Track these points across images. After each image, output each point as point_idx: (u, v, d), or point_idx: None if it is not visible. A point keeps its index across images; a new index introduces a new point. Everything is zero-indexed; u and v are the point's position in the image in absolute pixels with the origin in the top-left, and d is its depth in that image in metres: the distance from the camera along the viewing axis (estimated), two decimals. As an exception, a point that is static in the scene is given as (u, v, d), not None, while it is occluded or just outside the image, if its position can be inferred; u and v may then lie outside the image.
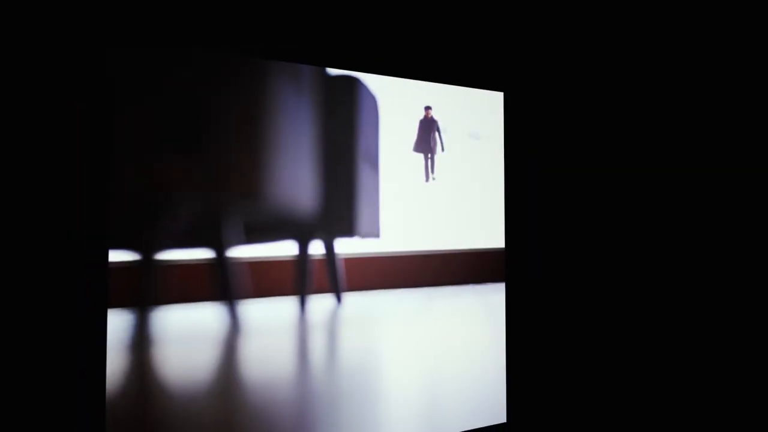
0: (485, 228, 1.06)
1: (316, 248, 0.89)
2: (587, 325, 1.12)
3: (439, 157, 1.00)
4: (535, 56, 1.09)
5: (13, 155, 0.70)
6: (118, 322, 0.73)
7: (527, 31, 1.09)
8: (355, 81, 0.94)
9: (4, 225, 0.68)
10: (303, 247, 0.88)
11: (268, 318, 0.84)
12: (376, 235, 0.95)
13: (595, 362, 1.12)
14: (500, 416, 1.04)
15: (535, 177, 1.08)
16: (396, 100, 0.97)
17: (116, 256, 0.75)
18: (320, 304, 0.89)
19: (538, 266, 1.07)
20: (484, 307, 1.04)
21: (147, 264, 0.77)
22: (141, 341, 0.74)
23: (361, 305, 0.93)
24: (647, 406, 1.14)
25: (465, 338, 1.02)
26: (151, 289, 0.77)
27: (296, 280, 0.87)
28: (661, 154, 1.18)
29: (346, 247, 0.92)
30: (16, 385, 0.67)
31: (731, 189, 1.16)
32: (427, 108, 0.98)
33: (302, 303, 0.87)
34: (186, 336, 0.77)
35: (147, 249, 0.77)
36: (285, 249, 0.87)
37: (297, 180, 0.88)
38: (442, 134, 0.98)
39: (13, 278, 0.68)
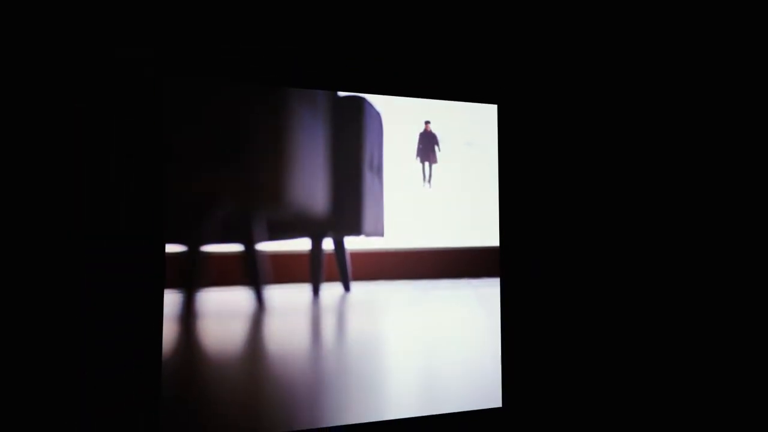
0: (480, 227, 1.17)
1: (328, 244, 1.06)
2: (576, 315, 1.21)
3: (437, 166, 1.13)
4: (525, 73, 1.19)
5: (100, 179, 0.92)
6: (171, 299, 0.94)
7: (518, 50, 1.19)
8: (362, 100, 1.09)
9: (101, 226, 0.90)
10: (317, 243, 1.05)
11: (287, 301, 1.02)
12: (381, 234, 1.10)
13: (585, 350, 1.21)
14: (496, 401, 1.14)
15: (526, 181, 1.18)
16: (399, 116, 1.11)
17: (170, 248, 0.96)
18: (331, 291, 1.06)
19: (529, 262, 1.18)
20: (479, 299, 1.16)
21: (193, 255, 0.97)
22: (188, 315, 0.95)
23: (366, 293, 1.08)
24: (637, 391, 1.22)
25: (461, 326, 1.14)
26: (196, 274, 0.97)
27: (311, 270, 1.04)
28: (642, 159, 1.24)
29: (353, 243, 1.08)
30: (103, 344, 0.90)
31: (709, 191, 1.22)
32: (427, 122, 1.12)
33: (316, 289, 1.04)
34: (222, 312, 0.97)
35: (193, 243, 0.98)
36: (302, 244, 1.05)
37: (312, 186, 1.05)
38: (439, 145, 1.11)
39: (104, 264, 0.90)
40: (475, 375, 1.13)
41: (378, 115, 1.10)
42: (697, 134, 1.27)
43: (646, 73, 1.26)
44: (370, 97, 1.10)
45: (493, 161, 1.18)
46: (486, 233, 1.18)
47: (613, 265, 1.22)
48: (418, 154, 1.10)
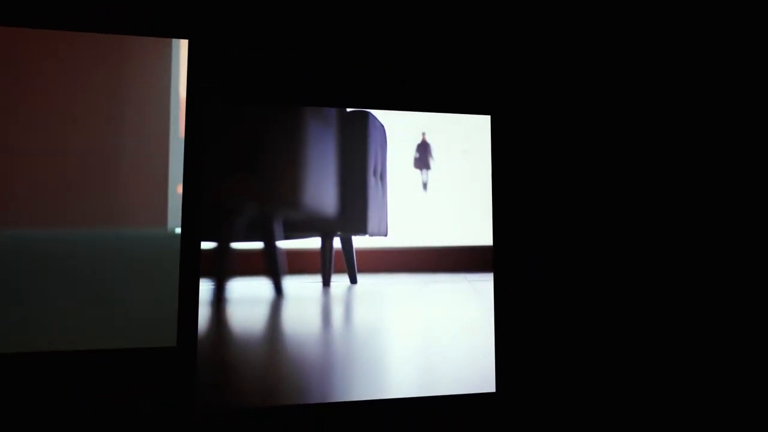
0: (475, 228, 1.28)
1: (337, 242, 1.21)
2: (563, 307, 1.29)
3: (434, 172, 1.25)
4: (516, 87, 1.29)
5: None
6: (205, 287, 1.12)
7: (508, 66, 1.29)
8: (367, 114, 1.23)
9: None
10: (327, 241, 1.20)
11: (301, 290, 1.17)
12: (384, 233, 1.23)
13: (572, 340, 1.29)
14: (490, 386, 1.23)
15: (517, 185, 1.28)
16: (401, 127, 1.24)
17: (205, 245, 1.14)
18: (339, 282, 1.20)
19: (520, 259, 1.27)
20: (474, 291, 1.27)
21: (222, 250, 1.15)
22: (218, 300, 1.13)
23: (371, 285, 1.22)
24: (624, 378, 1.28)
25: (458, 316, 1.25)
26: (225, 266, 1.14)
27: (322, 264, 1.19)
28: (625, 161, 1.31)
29: (359, 242, 1.22)
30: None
31: (700, 193, 1.26)
32: (423, 133, 1.24)
33: (326, 281, 1.19)
34: (246, 299, 1.14)
35: (223, 240, 1.15)
36: (314, 242, 1.20)
37: (323, 191, 1.20)
38: (434, 153, 1.23)
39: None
40: (470, 361, 1.24)
41: (382, 127, 1.24)
42: (685, 140, 1.32)
43: (633, 82, 1.33)
44: (375, 112, 1.24)
45: (486, 167, 1.29)
46: (481, 233, 1.28)
47: (597, 261, 1.29)
48: (415, 163, 1.23)
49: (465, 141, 1.28)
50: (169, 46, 1.17)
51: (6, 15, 1.10)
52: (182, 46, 1.18)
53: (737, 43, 1.36)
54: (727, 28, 1.35)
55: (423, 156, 1.23)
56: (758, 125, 1.32)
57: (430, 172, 1.24)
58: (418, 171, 1.22)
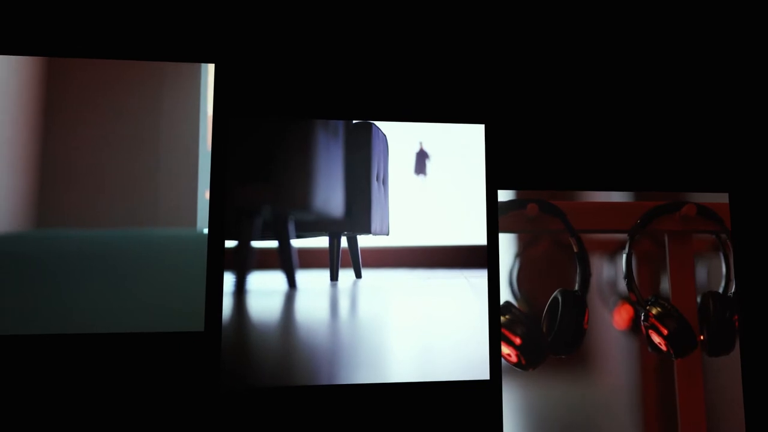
0: (470, 228, 1.39)
1: (343, 241, 1.34)
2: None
3: (431, 177, 1.37)
4: (508, 97, 1.39)
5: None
6: (228, 279, 1.28)
7: (502, 77, 1.39)
8: (371, 125, 1.37)
9: None
10: (335, 239, 1.34)
11: (312, 283, 1.31)
12: (386, 233, 1.36)
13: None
14: (484, 374, 1.30)
15: (509, 189, 1.38)
16: (402, 137, 1.37)
17: (228, 243, 1.30)
18: (345, 276, 1.34)
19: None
20: (469, 286, 1.37)
21: (243, 248, 1.30)
22: (239, 290, 1.28)
23: (374, 279, 1.34)
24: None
25: (454, 308, 1.33)
26: (245, 261, 1.30)
27: (330, 260, 1.33)
28: (618, 172, 1.38)
29: (364, 240, 1.35)
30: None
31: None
32: (420, 143, 1.36)
33: (334, 275, 1.33)
34: (263, 290, 1.28)
35: (243, 238, 1.30)
36: (323, 241, 1.34)
37: (331, 195, 1.34)
38: (430, 160, 1.35)
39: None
40: (465, 350, 1.34)
41: (384, 137, 1.37)
42: (677, 148, 1.39)
43: (627, 92, 1.41)
44: (378, 123, 1.37)
45: (480, 172, 1.40)
46: (475, 233, 1.39)
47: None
48: (415, 171, 1.35)
49: (460, 149, 1.39)
50: (198, 71, 1.34)
51: (61, 47, 1.29)
52: (209, 70, 1.35)
53: (733, 66, 1.42)
54: (723, 52, 1.41)
55: (420, 163, 1.35)
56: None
57: (427, 177, 1.36)
58: (416, 176, 1.35)
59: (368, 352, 1.29)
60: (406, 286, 1.35)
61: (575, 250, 1.33)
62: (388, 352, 1.29)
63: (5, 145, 1.25)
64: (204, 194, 1.30)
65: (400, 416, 1.27)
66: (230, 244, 1.28)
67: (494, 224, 1.37)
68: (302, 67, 1.35)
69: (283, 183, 1.31)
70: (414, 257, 1.37)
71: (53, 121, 1.27)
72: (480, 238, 1.37)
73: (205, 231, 1.28)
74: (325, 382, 1.25)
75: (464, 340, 1.32)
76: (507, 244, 1.37)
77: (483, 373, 1.30)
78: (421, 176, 1.36)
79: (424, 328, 1.32)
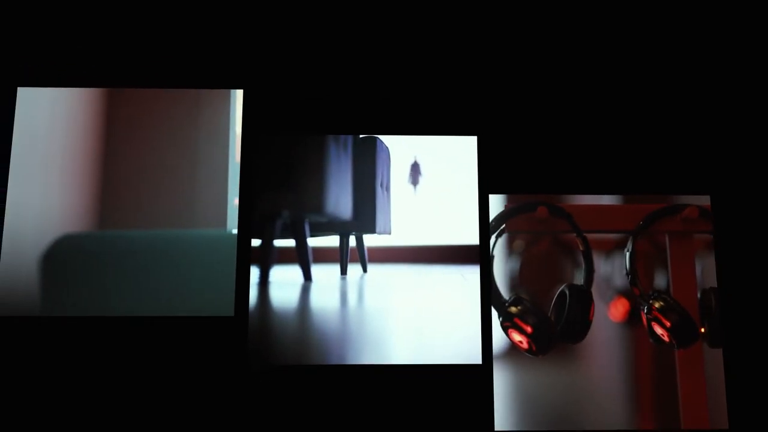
0: (465, 229, 1.50)
1: (352, 240, 1.53)
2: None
3: (426, 186, 1.51)
4: (499, 111, 1.52)
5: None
6: (254, 272, 1.47)
7: (493, 90, 1.53)
8: (375, 139, 1.54)
9: None
10: (344, 239, 1.53)
11: (324, 276, 1.46)
12: (389, 232, 1.54)
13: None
14: (476, 359, 1.38)
15: (500, 193, 1.54)
16: (402, 149, 1.56)
17: (254, 242, 1.50)
18: (353, 271, 1.49)
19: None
20: (463, 279, 1.46)
21: (266, 246, 1.50)
22: (263, 282, 1.47)
23: (379, 273, 1.48)
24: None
25: (450, 299, 1.40)
26: (268, 257, 1.49)
27: (340, 256, 1.52)
28: (609, 180, 1.49)
29: (369, 239, 1.53)
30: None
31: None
32: (415, 156, 1.54)
33: (343, 269, 1.50)
34: (283, 282, 1.42)
35: (266, 238, 1.50)
36: (334, 240, 1.49)
37: (341, 200, 1.52)
38: (421, 173, 1.49)
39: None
40: (460, 337, 1.39)
41: (387, 149, 1.56)
42: (661, 152, 1.49)
43: (618, 104, 1.49)
44: (382, 137, 1.55)
45: (473, 179, 1.55)
46: (469, 233, 1.53)
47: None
48: (409, 179, 1.53)
49: (455, 158, 1.56)
50: (228, 96, 1.57)
51: (118, 79, 1.55)
52: (238, 95, 1.57)
53: (713, 71, 1.51)
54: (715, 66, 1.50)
55: (414, 173, 1.53)
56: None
57: (419, 186, 1.53)
58: (410, 185, 1.53)
59: (373, 337, 1.38)
60: (407, 279, 1.44)
61: (581, 248, 1.41)
62: (390, 338, 1.39)
63: (74, 161, 1.52)
64: (233, 201, 1.44)
65: (400, 394, 1.36)
66: (256, 242, 1.44)
67: (486, 225, 1.51)
68: (315, 90, 1.55)
69: (299, 190, 1.46)
70: (414, 254, 1.53)
71: (112, 141, 1.53)
72: (473, 238, 1.52)
73: (234, 231, 1.43)
74: (335, 362, 1.37)
75: (459, 328, 1.40)
76: (508, 243, 1.48)
77: (475, 358, 1.40)
78: (414, 185, 1.53)
79: (423, 316, 1.40)
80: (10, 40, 1.51)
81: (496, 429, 1.32)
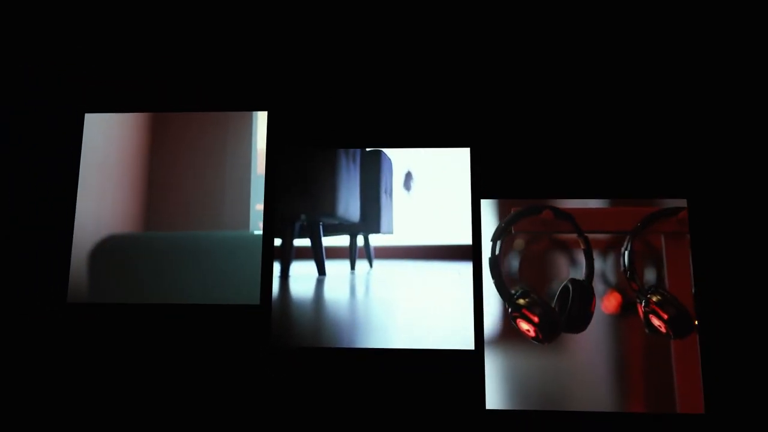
0: (460, 230, 1.63)
1: (359, 239, 1.72)
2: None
3: (421, 193, 1.70)
4: (491, 122, 1.63)
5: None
6: (276, 267, 1.69)
7: (486, 103, 1.69)
8: (380, 152, 1.74)
9: None
10: (353, 238, 1.73)
11: (336, 271, 1.63)
12: (391, 232, 1.75)
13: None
14: (470, 345, 1.49)
15: (491, 198, 1.74)
16: (402, 161, 1.77)
17: (276, 241, 1.73)
18: (361, 266, 1.65)
19: (495, 250, 1.72)
20: (458, 274, 1.56)
21: (286, 244, 1.73)
22: (284, 275, 1.69)
23: (383, 268, 1.64)
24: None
25: (446, 290, 1.51)
26: (288, 254, 1.71)
27: (349, 253, 1.71)
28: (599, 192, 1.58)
29: (375, 239, 1.74)
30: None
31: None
32: (408, 167, 1.74)
33: (352, 265, 1.68)
34: (301, 275, 1.58)
35: (286, 238, 1.73)
36: (344, 239, 1.66)
37: (350, 205, 1.69)
38: (414, 181, 1.67)
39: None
40: (455, 325, 1.51)
41: (389, 160, 1.76)
42: (640, 157, 1.53)
43: (609, 116, 1.53)
44: (385, 150, 1.76)
45: (467, 185, 1.74)
46: (464, 234, 1.70)
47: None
48: (403, 185, 1.73)
49: (450, 167, 1.76)
50: (251, 116, 1.80)
51: (159, 105, 1.81)
52: (260, 116, 1.82)
53: (690, 76, 1.52)
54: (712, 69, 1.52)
55: (408, 181, 1.74)
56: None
57: (411, 192, 1.71)
58: (404, 191, 1.71)
59: (378, 323, 1.51)
60: (408, 274, 1.55)
61: (583, 247, 1.52)
62: (394, 325, 1.50)
63: (124, 173, 1.77)
64: (255, 206, 1.61)
65: (401, 375, 1.48)
66: (277, 242, 1.59)
67: (478, 227, 1.69)
68: (328, 110, 1.76)
69: (315, 196, 1.59)
70: (415, 252, 1.66)
71: (154, 158, 1.79)
72: (467, 239, 1.63)
73: (257, 232, 1.63)
74: (345, 345, 1.49)
75: (454, 317, 1.51)
76: (509, 242, 1.58)
77: (468, 344, 1.52)
78: (407, 191, 1.72)
79: (423, 307, 1.51)
80: (77, 73, 1.78)
81: (486, 407, 1.45)
